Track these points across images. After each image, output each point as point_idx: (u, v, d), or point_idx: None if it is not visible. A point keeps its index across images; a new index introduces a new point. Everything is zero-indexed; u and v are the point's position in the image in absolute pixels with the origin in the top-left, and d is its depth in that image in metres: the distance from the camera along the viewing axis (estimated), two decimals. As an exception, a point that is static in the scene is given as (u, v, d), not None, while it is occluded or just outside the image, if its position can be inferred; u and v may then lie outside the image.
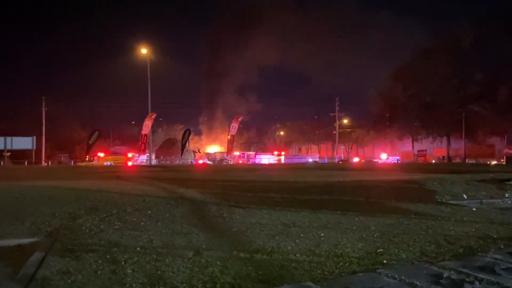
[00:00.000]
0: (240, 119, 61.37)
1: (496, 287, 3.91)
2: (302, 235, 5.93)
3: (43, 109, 57.66)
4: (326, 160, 72.57)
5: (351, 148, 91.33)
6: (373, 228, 6.50)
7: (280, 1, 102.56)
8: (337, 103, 74.84)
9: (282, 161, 63.13)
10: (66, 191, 9.98)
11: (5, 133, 49.98)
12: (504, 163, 49.20)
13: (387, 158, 69.90)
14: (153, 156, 59.08)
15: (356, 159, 67.12)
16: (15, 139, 50.67)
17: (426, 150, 67.98)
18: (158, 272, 4.20)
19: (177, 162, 60.04)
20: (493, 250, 5.28)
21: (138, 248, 5.07)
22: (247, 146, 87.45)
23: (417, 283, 3.92)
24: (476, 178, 14.07)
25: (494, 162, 51.01)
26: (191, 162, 60.52)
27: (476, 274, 4.16)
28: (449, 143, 63.75)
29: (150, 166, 42.64)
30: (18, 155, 52.73)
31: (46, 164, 53.97)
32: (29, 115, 61.91)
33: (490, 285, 3.93)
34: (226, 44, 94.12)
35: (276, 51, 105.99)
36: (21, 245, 5.41)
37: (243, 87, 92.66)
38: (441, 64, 56.11)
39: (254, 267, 4.40)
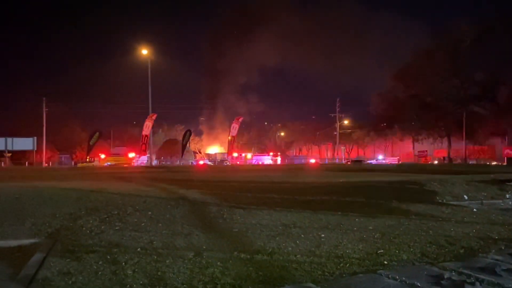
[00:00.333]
0: (240, 120, 61.47)
1: (497, 288, 3.90)
2: (302, 236, 5.93)
3: (44, 110, 57.70)
4: (326, 161, 72.54)
5: (351, 149, 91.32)
6: (374, 229, 6.49)
7: (281, 2, 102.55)
8: (337, 104, 74.94)
9: (278, 162, 62.96)
10: (67, 192, 9.98)
11: (6, 134, 50.08)
12: (505, 163, 49.13)
13: (383, 159, 69.02)
14: (154, 157, 59.15)
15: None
16: (16, 140, 50.79)
17: (426, 151, 67.89)
18: (159, 273, 4.20)
19: (178, 163, 60.06)
20: (494, 251, 5.27)
21: (138, 249, 5.07)
22: (247, 147, 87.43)
23: (418, 284, 3.92)
24: (477, 179, 14.06)
25: (494, 163, 50.98)
26: (192, 163, 60.54)
27: (477, 275, 4.15)
28: (449, 144, 63.68)
29: (151, 166, 42.67)
30: (18, 156, 52.85)
31: (46, 164, 54.01)
32: (30, 116, 61.89)
33: (491, 286, 3.92)
34: (227, 44, 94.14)
35: (277, 52, 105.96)
36: (21, 246, 5.42)
37: (244, 88, 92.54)
38: (441, 65, 56.05)
39: (255, 268, 4.40)
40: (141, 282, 3.95)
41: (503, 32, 51.33)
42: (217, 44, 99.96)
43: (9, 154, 51.41)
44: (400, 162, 61.27)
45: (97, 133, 58.45)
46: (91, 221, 6.63)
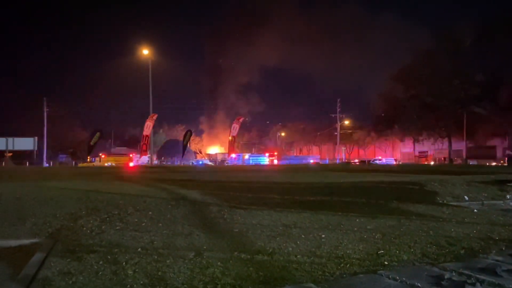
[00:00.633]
0: (241, 120, 61.43)
1: (498, 288, 3.90)
2: (303, 236, 5.93)
3: (45, 110, 57.75)
4: (327, 161, 72.49)
5: (352, 150, 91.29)
6: (374, 229, 6.49)
7: (282, 2, 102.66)
8: (338, 104, 74.95)
9: (275, 162, 62.73)
10: (67, 192, 9.98)
11: (7, 134, 50.11)
12: (506, 164, 49.09)
13: (380, 159, 68.62)
14: (154, 157, 59.17)
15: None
16: (16, 139, 50.89)
17: (427, 151, 67.87)
18: (159, 273, 4.20)
19: (178, 163, 60.07)
20: (494, 251, 5.27)
21: (139, 249, 5.08)
22: (248, 147, 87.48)
23: (418, 284, 3.92)
24: (477, 179, 14.04)
25: (495, 163, 50.92)
26: (192, 163, 60.56)
27: (477, 276, 4.15)
28: (450, 144, 63.67)
29: (151, 167, 42.66)
30: (19, 156, 52.84)
31: (47, 164, 54.00)
32: (30, 116, 61.94)
33: (491, 287, 3.92)
34: (228, 44, 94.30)
35: (278, 52, 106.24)
36: (22, 246, 5.42)
37: (245, 88, 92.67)
38: (442, 65, 56.05)
39: (255, 268, 4.40)
40: (141, 282, 3.96)
41: (503, 32, 51.27)
42: (218, 44, 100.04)
43: (10, 154, 51.46)
44: (399, 163, 61.18)
45: (98, 133, 58.43)
46: (91, 221, 6.63)
